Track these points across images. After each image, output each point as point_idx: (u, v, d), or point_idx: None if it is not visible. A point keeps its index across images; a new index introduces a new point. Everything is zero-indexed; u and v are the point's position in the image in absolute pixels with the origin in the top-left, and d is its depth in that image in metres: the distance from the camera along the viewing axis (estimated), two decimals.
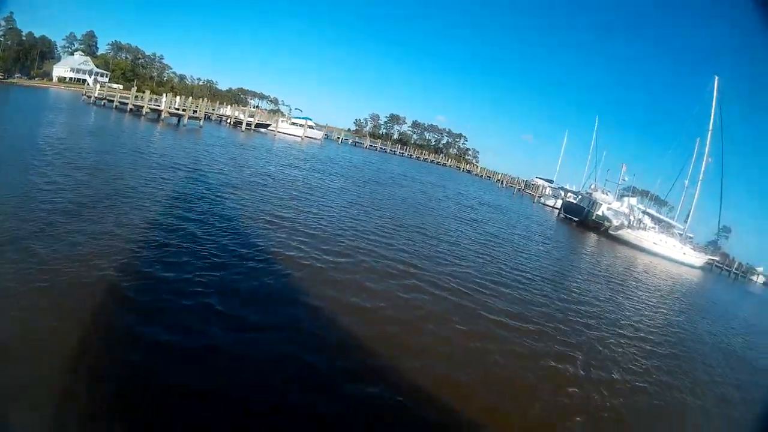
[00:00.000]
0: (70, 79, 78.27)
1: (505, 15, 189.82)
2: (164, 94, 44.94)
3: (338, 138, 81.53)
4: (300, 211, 14.34)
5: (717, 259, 50.13)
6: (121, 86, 66.65)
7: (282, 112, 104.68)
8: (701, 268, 43.07)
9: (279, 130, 56.92)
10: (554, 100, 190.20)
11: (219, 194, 14.20)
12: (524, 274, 13.88)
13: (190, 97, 46.00)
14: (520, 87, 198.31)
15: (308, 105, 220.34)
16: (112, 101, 47.08)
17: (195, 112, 46.26)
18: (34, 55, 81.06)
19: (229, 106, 64.73)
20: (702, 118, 43.46)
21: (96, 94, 49.60)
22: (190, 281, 7.21)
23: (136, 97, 45.51)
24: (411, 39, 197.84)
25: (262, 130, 55.52)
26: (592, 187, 50.15)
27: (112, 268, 6.97)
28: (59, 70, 79.77)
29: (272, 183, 19.18)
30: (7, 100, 38.72)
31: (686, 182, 44.56)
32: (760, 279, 59.50)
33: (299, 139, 58.02)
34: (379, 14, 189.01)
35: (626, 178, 51.91)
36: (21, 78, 72.87)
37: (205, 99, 52.99)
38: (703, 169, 43.21)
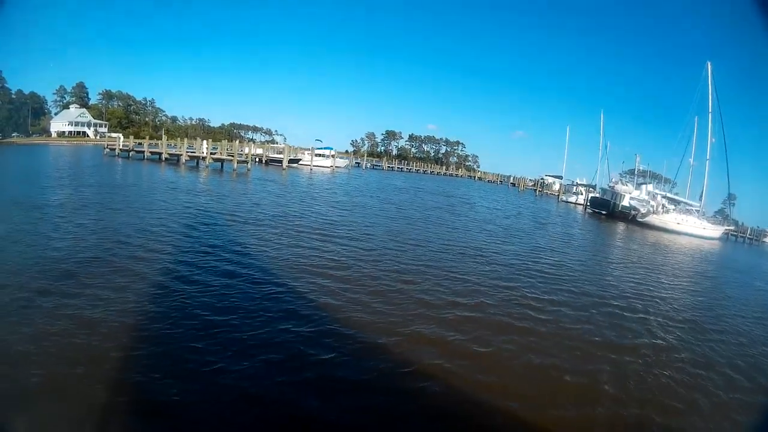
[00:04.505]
0: (69, 132, 75.56)
1: (487, 13, 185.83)
2: (203, 141, 43.32)
3: (360, 164, 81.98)
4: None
5: (732, 228, 53.41)
6: (121, 135, 64.26)
7: (277, 141, 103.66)
8: (719, 238, 45.72)
9: (314, 164, 56.03)
10: (543, 94, 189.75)
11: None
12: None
13: (237, 142, 44.16)
14: (505, 83, 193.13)
15: (299, 131, 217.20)
16: (141, 152, 45.14)
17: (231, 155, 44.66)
18: (26, 113, 78.12)
19: (253, 145, 63.87)
20: (701, 103, 46.38)
21: (120, 146, 47.39)
22: None
23: (170, 145, 43.78)
24: (392, 48, 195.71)
25: (294, 165, 54.41)
26: (614, 180, 53.22)
27: None
28: (57, 125, 77.05)
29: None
30: (21, 162, 35.87)
31: (691, 160, 47.73)
32: None
33: (329, 169, 57.11)
34: (358, 29, 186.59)
35: (641, 167, 56.81)
36: (19, 137, 69.83)
37: (243, 141, 51.51)
38: (708, 148, 46.01)
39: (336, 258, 11.31)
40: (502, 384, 5.99)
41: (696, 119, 46.84)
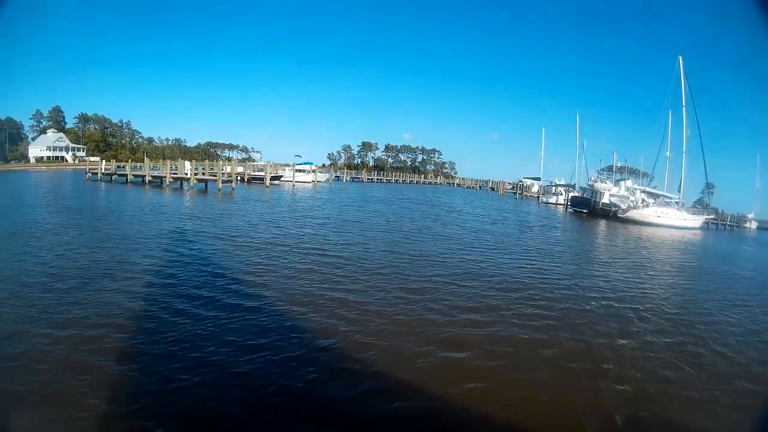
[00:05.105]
0: (48, 158, 75.22)
1: (456, 17, 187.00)
2: (186, 162, 44.23)
3: (340, 177, 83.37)
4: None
5: (712, 217, 55.17)
6: (103, 160, 64.43)
7: (254, 159, 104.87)
8: (701, 228, 47.32)
9: (296, 180, 57.28)
10: (517, 96, 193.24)
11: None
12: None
13: (221, 162, 45.26)
14: (478, 87, 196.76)
15: (274, 147, 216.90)
16: (124, 175, 45.80)
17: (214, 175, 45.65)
18: (3, 139, 77.78)
19: (234, 163, 64.71)
20: (674, 96, 47.90)
21: (102, 170, 48.05)
22: None
23: (153, 167, 44.59)
24: (364, 60, 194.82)
25: (276, 182, 55.26)
26: (593, 179, 54.44)
27: None
28: (35, 150, 76.56)
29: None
30: (5, 190, 35.00)
31: (668, 153, 49.16)
32: (753, 225, 64.30)
33: (311, 184, 58.25)
34: (328, 43, 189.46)
35: (619, 164, 58.81)
36: None
37: (222, 161, 52.33)
38: (684, 140, 47.44)
39: (346, 281, 11.47)
40: (528, 397, 6.23)
41: (670, 113, 48.40)
